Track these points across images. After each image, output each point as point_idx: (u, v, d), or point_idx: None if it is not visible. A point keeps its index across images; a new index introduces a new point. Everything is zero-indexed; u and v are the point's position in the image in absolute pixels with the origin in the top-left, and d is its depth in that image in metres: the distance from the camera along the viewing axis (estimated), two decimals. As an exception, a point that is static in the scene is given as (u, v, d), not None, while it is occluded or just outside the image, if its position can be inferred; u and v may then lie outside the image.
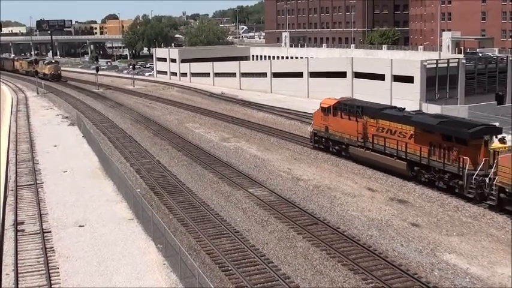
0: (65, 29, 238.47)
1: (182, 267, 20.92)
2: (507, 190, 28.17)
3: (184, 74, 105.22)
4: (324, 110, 42.42)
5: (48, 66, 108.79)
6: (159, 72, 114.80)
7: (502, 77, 66.43)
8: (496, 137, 32.37)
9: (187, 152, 44.10)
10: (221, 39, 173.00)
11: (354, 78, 69.16)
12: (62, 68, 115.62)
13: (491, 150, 30.84)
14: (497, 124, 37.25)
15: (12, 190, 34.06)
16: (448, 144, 32.01)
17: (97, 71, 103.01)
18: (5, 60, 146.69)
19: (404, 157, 34.96)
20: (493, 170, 29.37)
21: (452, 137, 31.80)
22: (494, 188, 29.01)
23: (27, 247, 25.23)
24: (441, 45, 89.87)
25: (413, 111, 38.73)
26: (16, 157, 43.09)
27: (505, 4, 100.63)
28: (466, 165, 30.53)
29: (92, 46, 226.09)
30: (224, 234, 26.82)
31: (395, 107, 39.79)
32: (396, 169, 36.02)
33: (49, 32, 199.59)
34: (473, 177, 30.18)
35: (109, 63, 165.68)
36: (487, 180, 29.56)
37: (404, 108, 38.93)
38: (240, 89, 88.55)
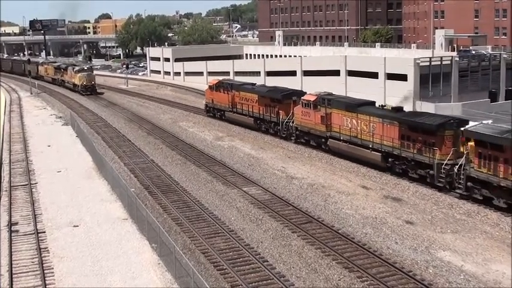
0: (58, 29, 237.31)
1: (177, 266, 20.92)
2: (299, 128, 44.20)
3: (177, 73, 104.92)
4: (211, 88, 57.56)
5: (79, 75, 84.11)
6: (152, 71, 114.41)
7: (495, 75, 66.39)
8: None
9: (181, 151, 44.07)
10: (214, 38, 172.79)
11: (348, 77, 69.03)
12: None
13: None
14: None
15: (6, 191, 33.99)
16: (272, 104, 47.61)
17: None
18: (26, 63, 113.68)
19: (252, 115, 50.50)
20: (294, 117, 44.57)
21: (274, 99, 47.50)
22: (294, 128, 44.63)
23: (22, 247, 25.18)
24: (434, 43, 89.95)
25: (259, 85, 55.00)
26: (10, 157, 42.97)
27: (498, 2, 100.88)
28: (281, 117, 46.39)
29: (85, 46, 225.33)
30: (219, 233, 26.84)
31: (251, 83, 54.60)
32: (248, 124, 51.40)
33: (42, 31, 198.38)
34: (284, 123, 45.97)
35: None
36: (291, 124, 44.97)
37: (255, 84, 54.72)
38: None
